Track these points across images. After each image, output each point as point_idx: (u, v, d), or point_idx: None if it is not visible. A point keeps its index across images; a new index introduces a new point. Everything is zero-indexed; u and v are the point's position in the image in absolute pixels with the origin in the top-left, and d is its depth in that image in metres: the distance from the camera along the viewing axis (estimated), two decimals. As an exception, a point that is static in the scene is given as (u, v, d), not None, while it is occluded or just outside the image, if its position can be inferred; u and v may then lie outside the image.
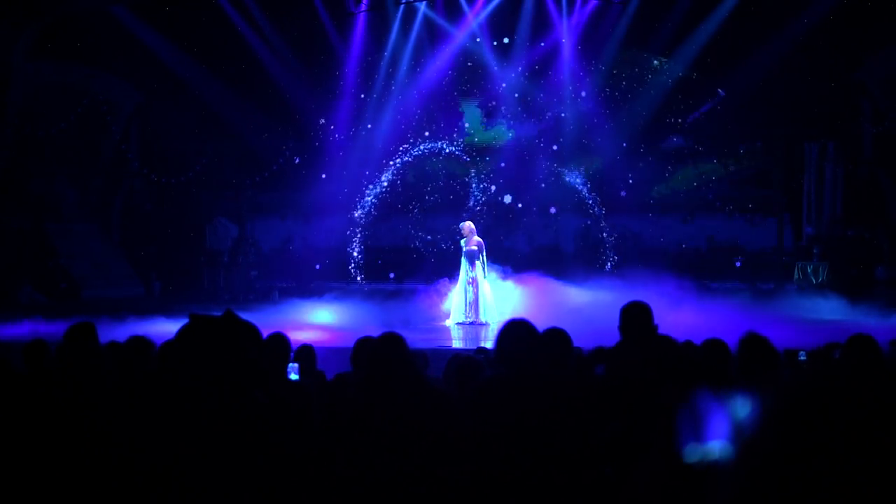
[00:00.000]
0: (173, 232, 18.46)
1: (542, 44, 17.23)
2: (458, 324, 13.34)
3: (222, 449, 2.82)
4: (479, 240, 13.53)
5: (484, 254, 13.46)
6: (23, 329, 12.45)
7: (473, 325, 13.23)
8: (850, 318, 11.81)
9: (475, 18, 17.04)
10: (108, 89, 17.55)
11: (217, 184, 18.68)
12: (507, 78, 17.56)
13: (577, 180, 17.68)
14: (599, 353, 4.95)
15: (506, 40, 17.33)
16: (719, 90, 16.80)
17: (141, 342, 4.84)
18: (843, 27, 15.39)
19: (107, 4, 16.41)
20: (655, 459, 3.82)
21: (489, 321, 13.18)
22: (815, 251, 16.77)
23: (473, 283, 13.38)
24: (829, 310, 13.15)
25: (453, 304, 13.64)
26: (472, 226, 13.66)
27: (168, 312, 12.96)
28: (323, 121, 17.78)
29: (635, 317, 4.54)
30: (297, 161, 18.04)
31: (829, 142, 16.90)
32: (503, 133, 17.98)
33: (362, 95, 17.82)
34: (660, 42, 16.87)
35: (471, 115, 18.19)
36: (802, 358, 5.78)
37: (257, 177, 18.53)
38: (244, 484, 2.85)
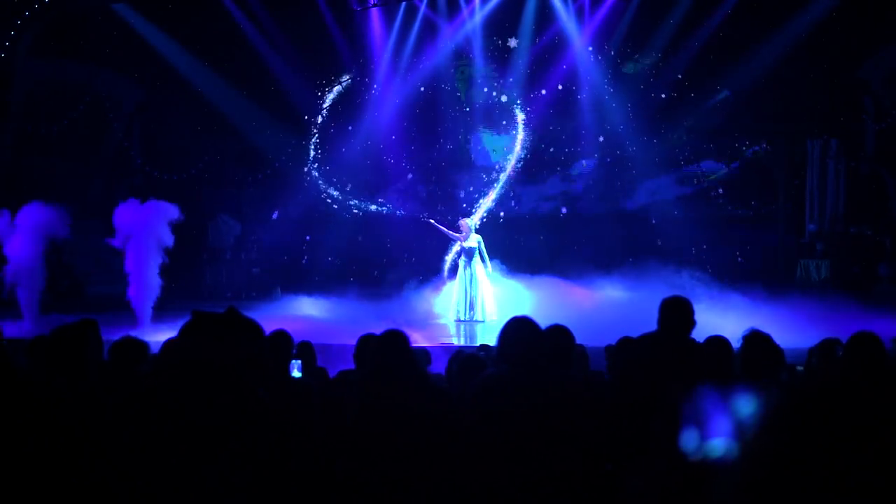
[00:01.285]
0: (175, 229, 18.45)
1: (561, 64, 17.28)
2: (458, 321, 13.33)
3: (225, 446, 2.83)
4: (478, 236, 13.53)
5: (484, 249, 13.45)
6: (26, 326, 12.47)
7: (474, 322, 13.23)
8: (853, 315, 11.79)
9: (471, 20, 17.07)
10: (110, 86, 17.55)
11: (219, 181, 18.67)
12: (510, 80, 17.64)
13: (583, 175, 17.73)
14: (625, 344, 4.86)
15: (504, 96, 17.45)
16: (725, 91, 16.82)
17: (132, 343, 4.84)
18: (845, 24, 15.36)
19: (109, 1, 16.42)
20: (658, 457, 3.82)
21: (489, 318, 13.17)
22: (817, 248, 16.75)
23: (472, 279, 13.38)
24: (832, 307, 13.12)
25: (452, 301, 13.64)
26: (470, 222, 13.67)
27: (170, 309, 12.97)
28: (308, 116, 17.81)
29: (675, 311, 4.52)
30: (276, 216, 18.17)
31: (832, 139, 16.88)
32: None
33: (363, 92, 17.86)
34: (662, 40, 16.84)
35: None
36: (800, 370, 5.76)
37: (259, 174, 18.54)
38: (246, 481, 2.86)
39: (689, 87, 17.03)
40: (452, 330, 12.97)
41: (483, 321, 13.13)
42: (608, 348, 6.21)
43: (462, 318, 13.32)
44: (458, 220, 13.89)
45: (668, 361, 4.32)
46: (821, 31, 15.60)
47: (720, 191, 17.66)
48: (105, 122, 17.61)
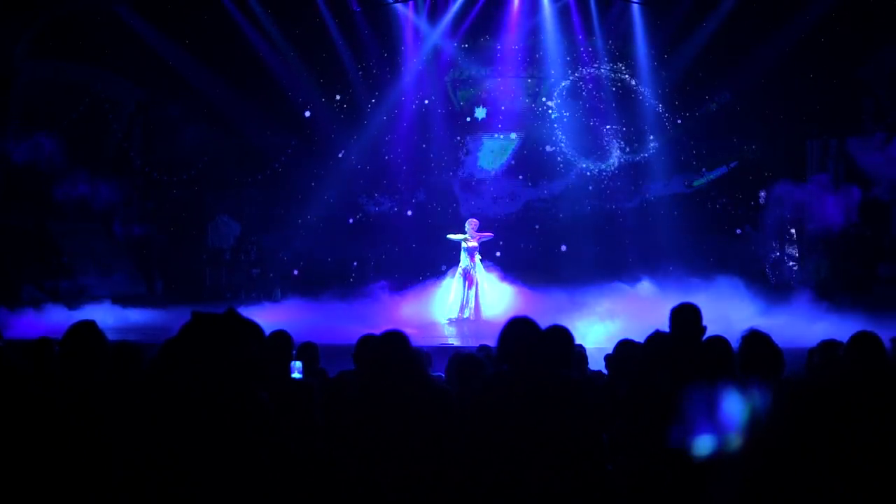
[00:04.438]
0: (175, 230, 18.45)
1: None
2: (459, 320, 13.32)
3: (225, 447, 2.83)
4: (480, 236, 13.55)
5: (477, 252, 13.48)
6: (26, 328, 12.47)
7: (473, 322, 13.22)
8: (852, 315, 11.79)
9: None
10: (110, 87, 17.55)
11: (219, 182, 18.66)
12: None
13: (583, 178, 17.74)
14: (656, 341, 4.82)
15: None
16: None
17: (129, 346, 4.83)
18: (846, 24, 15.35)
19: (109, 3, 16.42)
20: (657, 456, 3.82)
21: (486, 317, 13.17)
22: (817, 248, 16.74)
23: (471, 278, 13.39)
24: (831, 307, 13.12)
25: (450, 300, 13.65)
26: (477, 223, 13.70)
27: (170, 311, 12.97)
28: (308, 114, 17.77)
29: (686, 318, 4.55)
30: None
31: (831, 139, 16.87)
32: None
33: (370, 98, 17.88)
34: (662, 40, 16.83)
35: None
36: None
37: (259, 175, 18.53)
38: (246, 482, 2.86)
39: (689, 89, 17.03)
40: (455, 330, 12.96)
41: (486, 320, 13.13)
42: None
43: (460, 318, 13.32)
44: (466, 219, 13.94)
45: (683, 365, 4.32)
46: (821, 31, 15.60)
47: (720, 190, 17.65)
48: (105, 123, 17.61)
